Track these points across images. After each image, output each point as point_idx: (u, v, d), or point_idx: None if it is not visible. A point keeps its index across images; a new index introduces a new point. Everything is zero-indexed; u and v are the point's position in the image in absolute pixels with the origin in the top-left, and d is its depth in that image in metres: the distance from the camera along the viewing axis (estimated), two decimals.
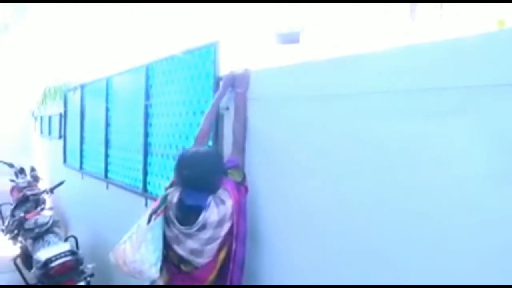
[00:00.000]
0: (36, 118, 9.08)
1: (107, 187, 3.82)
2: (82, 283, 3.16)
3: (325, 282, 1.55)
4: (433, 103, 1.18)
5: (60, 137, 6.11)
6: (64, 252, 3.18)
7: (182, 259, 1.78)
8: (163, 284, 1.88)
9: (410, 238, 1.23)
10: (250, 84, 1.97)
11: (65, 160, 5.82)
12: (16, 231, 4.13)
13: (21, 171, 6.52)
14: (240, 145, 1.93)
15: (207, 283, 1.75)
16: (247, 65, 2.04)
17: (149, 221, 1.79)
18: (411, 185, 1.23)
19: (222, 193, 1.75)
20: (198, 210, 1.70)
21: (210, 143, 2.13)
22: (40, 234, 3.84)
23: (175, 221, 1.76)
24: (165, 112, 2.74)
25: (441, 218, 1.14)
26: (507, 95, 1.01)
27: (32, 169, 6.69)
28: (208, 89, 2.22)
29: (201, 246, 1.72)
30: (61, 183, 4.69)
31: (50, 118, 7.16)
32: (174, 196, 1.80)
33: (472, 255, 1.08)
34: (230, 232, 1.72)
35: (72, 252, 3.23)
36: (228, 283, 1.75)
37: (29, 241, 3.92)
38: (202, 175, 1.72)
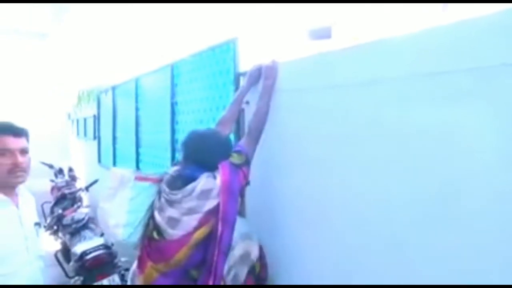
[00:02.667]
0: (72, 121, 9.46)
1: None
2: (116, 276, 3.29)
3: (349, 281, 1.57)
4: (445, 86, 1.17)
5: (94, 138, 6.36)
6: (98, 246, 3.33)
7: (157, 227, 1.77)
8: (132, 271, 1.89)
9: (434, 224, 1.23)
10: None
11: (99, 160, 6.05)
12: (55, 227, 4.34)
13: (60, 171, 6.83)
14: (253, 136, 1.91)
15: (175, 257, 1.67)
16: (275, 57, 2.02)
17: (136, 178, 1.87)
18: (432, 170, 1.22)
19: (216, 171, 1.75)
20: (188, 179, 1.73)
21: (232, 136, 2.17)
22: (77, 230, 4.04)
23: (165, 186, 1.80)
24: (190, 109, 2.82)
25: (462, 202, 1.13)
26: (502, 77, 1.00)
27: (70, 169, 6.99)
28: (228, 85, 2.29)
29: (180, 216, 1.70)
30: (95, 182, 4.89)
31: (85, 120, 7.45)
32: (172, 169, 1.85)
33: (489, 235, 1.07)
34: (214, 212, 1.67)
35: (106, 246, 3.37)
36: (211, 268, 1.65)
37: (67, 236, 4.12)
38: (203, 153, 1.77)
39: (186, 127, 2.91)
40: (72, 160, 9.31)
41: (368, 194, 1.44)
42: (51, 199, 5.79)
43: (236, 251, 1.83)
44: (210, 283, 1.64)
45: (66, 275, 3.72)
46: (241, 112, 2.18)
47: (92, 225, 4.28)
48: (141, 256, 1.82)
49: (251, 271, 1.89)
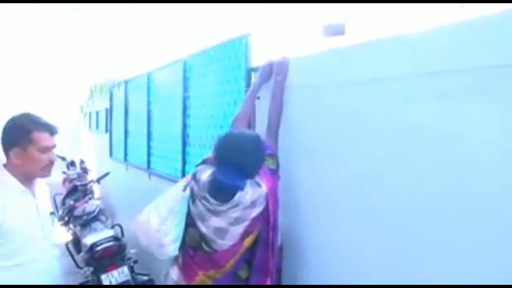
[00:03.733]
0: (85, 114, 9.56)
1: (150, 178, 3.99)
2: (125, 267, 3.33)
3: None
4: (451, 85, 1.17)
5: (106, 131, 6.43)
6: (107, 238, 3.38)
7: (203, 238, 1.72)
8: (176, 267, 1.82)
9: (438, 219, 1.23)
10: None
11: (111, 153, 6.11)
12: (66, 218, 4.40)
13: (72, 163, 6.92)
14: (275, 133, 1.92)
15: (227, 265, 1.70)
16: (286, 53, 2.00)
17: (184, 189, 1.76)
18: (440, 167, 1.22)
19: (257, 177, 1.72)
20: (233, 189, 1.65)
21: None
22: (87, 221, 4.10)
23: (208, 196, 1.69)
24: (202, 103, 2.84)
25: (466, 198, 1.13)
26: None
27: (82, 162, 7.09)
28: (240, 80, 2.29)
29: (227, 226, 1.67)
30: (106, 174, 4.95)
31: (97, 113, 7.53)
32: (205, 173, 1.75)
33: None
34: (261, 218, 1.69)
35: (115, 238, 3.42)
36: (266, 269, 1.71)
37: (78, 228, 4.19)
38: (244, 159, 1.67)
39: (197, 121, 2.92)
40: (84, 152, 9.41)
41: (377, 188, 1.45)
42: (63, 190, 5.88)
43: None
44: (268, 283, 1.72)
45: (77, 265, 3.79)
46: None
47: (102, 217, 4.34)
48: (186, 264, 1.78)
49: None
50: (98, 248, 3.28)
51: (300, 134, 1.89)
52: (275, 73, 1.95)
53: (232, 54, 2.40)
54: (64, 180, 6.47)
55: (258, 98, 2.13)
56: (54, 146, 1.81)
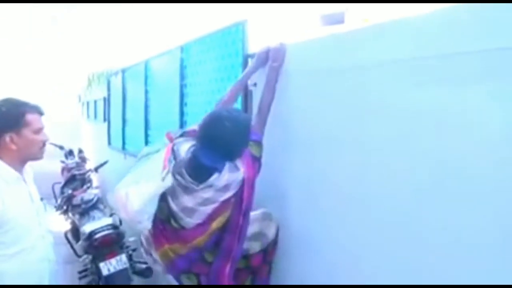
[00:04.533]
0: (83, 103, 9.52)
1: None
2: (124, 255, 3.35)
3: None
4: (454, 69, 1.15)
5: (104, 120, 6.41)
6: (106, 226, 3.39)
7: (172, 214, 1.74)
8: (148, 234, 1.84)
9: (440, 204, 1.23)
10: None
11: (109, 142, 6.10)
12: (65, 207, 4.41)
13: (70, 152, 6.90)
14: (264, 120, 1.91)
15: (194, 241, 1.70)
16: (283, 39, 1.99)
17: (163, 179, 1.70)
18: (441, 151, 1.20)
19: (238, 160, 1.72)
20: (211, 170, 1.66)
21: None
22: (86, 210, 4.10)
23: (184, 171, 1.69)
24: (199, 91, 2.82)
25: (470, 181, 1.12)
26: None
27: (80, 151, 7.06)
28: (237, 66, 2.28)
29: (195, 206, 1.68)
30: (104, 163, 4.95)
31: (95, 102, 7.50)
32: (184, 147, 1.76)
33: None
34: (233, 201, 1.70)
35: (114, 226, 3.42)
36: (229, 255, 1.72)
37: (77, 216, 4.19)
38: (227, 140, 1.68)
39: (195, 109, 2.91)
40: (82, 141, 9.40)
41: (376, 178, 1.43)
42: (61, 180, 5.87)
43: (252, 228, 1.85)
44: (227, 268, 1.72)
45: (76, 254, 3.80)
46: (249, 94, 2.18)
47: (101, 206, 4.34)
48: (155, 235, 1.81)
49: (264, 249, 1.93)
50: (97, 236, 3.29)
51: (297, 121, 1.88)
52: (271, 59, 1.94)
53: (229, 41, 2.38)
54: (63, 169, 6.45)
55: (255, 85, 2.13)
56: (44, 127, 1.83)
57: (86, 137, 9.50)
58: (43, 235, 1.86)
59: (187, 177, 1.69)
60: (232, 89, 2.02)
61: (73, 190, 4.54)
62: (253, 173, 1.73)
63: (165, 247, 1.77)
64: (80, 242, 3.60)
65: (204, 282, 1.79)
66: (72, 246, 3.90)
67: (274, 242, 1.96)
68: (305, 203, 1.83)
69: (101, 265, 3.24)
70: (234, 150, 1.72)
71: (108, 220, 3.60)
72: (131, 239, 3.53)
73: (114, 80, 5.67)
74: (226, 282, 1.73)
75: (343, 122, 1.59)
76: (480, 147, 1.10)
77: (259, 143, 1.82)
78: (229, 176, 1.68)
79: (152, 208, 1.70)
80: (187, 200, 1.70)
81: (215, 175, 1.66)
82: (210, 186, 1.67)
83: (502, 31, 1.05)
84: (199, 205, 1.69)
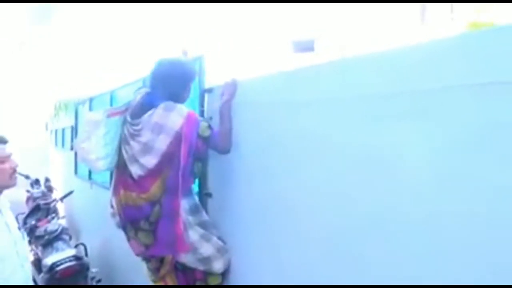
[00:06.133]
0: (51, 131, 9.39)
1: None
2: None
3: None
4: (387, 108, 1.26)
5: (71, 148, 6.34)
6: (69, 257, 3.36)
7: (125, 162, 1.96)
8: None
9: (369, 234, 1.32)
10: (238, 91, 2.02)
11: (76, 171, 6.03)
12: (28, 239, 4.32)
13: (36, 182, 6.77)
14: (227, 135, 2.00)
15: (147, 194, 1.87)
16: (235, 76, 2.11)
17: (108, 115, 1.99)
18: (371, 185, 1.31)
19: (180, 109, 1.89)
20: (149, 108, 1.89)
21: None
22: (49, 241, 4.04)
23: (128, 117, 1.94)
24: None
25: (396, 217, 1.22)
26: (451, 98, 1.07)
27: (47, 180, 6.95)
28: (194, 100, 2.37)
29: (138, 153, 1.88)
30: (70, 193, 4.90)
31: (63, 130, 7.42)
32: (137, 97, 2.01)
33: (422, 248, 1.16)
34: (165, 162, 1.86)
35: (77, 258, 3.40)
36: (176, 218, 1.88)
37: (40, 248, 4.12)
38: (166, 75, 1.95)
39: None
40: (51, 170, 9.22)
41: (315, 202, 1.55)
42: (26, 210, 5.74)
43: (206, 249, 1.98)
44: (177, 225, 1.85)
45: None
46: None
47: (65, 236, 4.29)
48: (114, 183, 2.06)
49: (207, 273, 2.02)
50: (58, 268, 3.25)
51: (248, 150, 1.98)
52: (222, 93, 2.06)
53: None
54: (28, 199, 6.31)
55: (211, 118, 2.22)
56: (10, 154, 1.87)
57: (54, 165, 9.33)
58: (22, 264, 1.88)
59: (129, 119, 1.93)
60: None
61: (36, 221, 4.47)
62: (191, 135, 1.85)
63: (121, 193, 1.96)
64: (41, 275, 3.54)
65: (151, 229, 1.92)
66: (34, 280, 3.82)
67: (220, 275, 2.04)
68: (252, 224, 1.92)
69: None
70: (171, 87, 1.94)
71: (72, 251, 3.57)
72: (94, 270, 3.50)
73: (82, 109, 5.66)
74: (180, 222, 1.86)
75: (288, 153, 1.71)
76: (407, 184, 1.20)
77: (210, 128, 1.96)
78: (163, 114, 1.84)
79: (98, 148, 1.98)
80: (134, 145, 1.91)
81: (150, 111, 1.86)
82: (147, 123, 1.85)
83: (429, 73, 1.15)
84: (141, 152, 1.87)
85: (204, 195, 2.28)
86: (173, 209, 1.88)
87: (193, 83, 2.17)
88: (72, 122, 6.28)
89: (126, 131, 1.97)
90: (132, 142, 1.91)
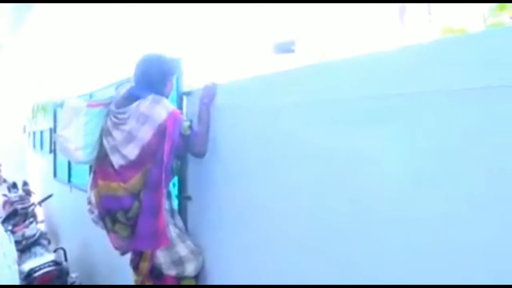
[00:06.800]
0: (28, 134, 9.22)
1: None
2: None
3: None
4: (365, 111, 1.28)
5: (50, 151, 6.24)
6: (47, 263, 3.30)
7: (107, 153, 1.95)
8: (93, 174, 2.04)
9: (343, 234, 1.35)
10: (218, 94, 2.03)
11: (55, 174, 5.93)
12: None
13: (14, 185, 6.66)
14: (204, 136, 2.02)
15: (127, 184, 1.87)
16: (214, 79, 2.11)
17: (89, 105, 2.01)
18: (347, 186, 1.34)
19: (167, 104, 1.91)
20: (135, 99, 1.91)
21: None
22: (27, 246, 3.96)
23: (113, 107, 1.96)
24: None
25: (373, 218, 1.25)
26: (428, 103, 1.10)
27: (25, 184, 6.83)
28: (172, 103, 2.35)
29: (120, 143, 1.88)
30: (49, 197, 4.82)
31: (41, 133, 7.29)
32: (122, 91, 2.03)
33: (395, 249, 1.19)
34: (147, 156, 1.85)
35: (56, 263, 3.34)
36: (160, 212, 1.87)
37: (17, 253, 4.03)
38: (149, 70, 1.98)
39: None
40: (28, 173, 9.04)
41: (293, 205, 1.56)
42: (3, 214, 5.63)
43: (181, 249, 1.99)
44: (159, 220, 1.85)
45: None
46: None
47: (44, 241, 4.22)
48: (93, 175, 2.03)
49: (179, 278, 2.02)
50: (36, 274, 3.19)
51: (226, 154, 1.98)
52: (201, 97, 2.05)
53: None
54: (5, 203, 6.20)
55: (191, 121, 2.21)
56: None
57: (32, 168, 9.15)
58: (9, 265, 1.86)
59: (114, 109, 1.94)
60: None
61: (14, 226, 4.39)
62: (174, 132, 1.86)
63: (100, 183, 1.95)
64: (19, 282, 3.47)
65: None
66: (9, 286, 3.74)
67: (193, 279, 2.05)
68: (230, 227, 1.92)
69: None
70: (151, 82, 1.97)
71: (50, 256, 3.51)
72: (74, 275, 3.45)
73: (60, 111, 5.57)
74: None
75: (266, 157, 1.71)
76: (381, 186, 1.23)
77: (191, 127, 1.96)
78: (149, 106, 1.86)
79: (78, 138, 1.98)
80: (116, 135, 1.91)
81: (138, 101, 1.88)
82: (133, 112, 1.86)
83: (402, 78, 1.19)
84: (124, 141, 1.87)
85: (183, 198, 2.27)
86: (154, 205, 1.86)
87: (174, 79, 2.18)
88: (50, 124, 6.17)
89: (109, 122, 1.97)
90: (115, 132, 1.92)
